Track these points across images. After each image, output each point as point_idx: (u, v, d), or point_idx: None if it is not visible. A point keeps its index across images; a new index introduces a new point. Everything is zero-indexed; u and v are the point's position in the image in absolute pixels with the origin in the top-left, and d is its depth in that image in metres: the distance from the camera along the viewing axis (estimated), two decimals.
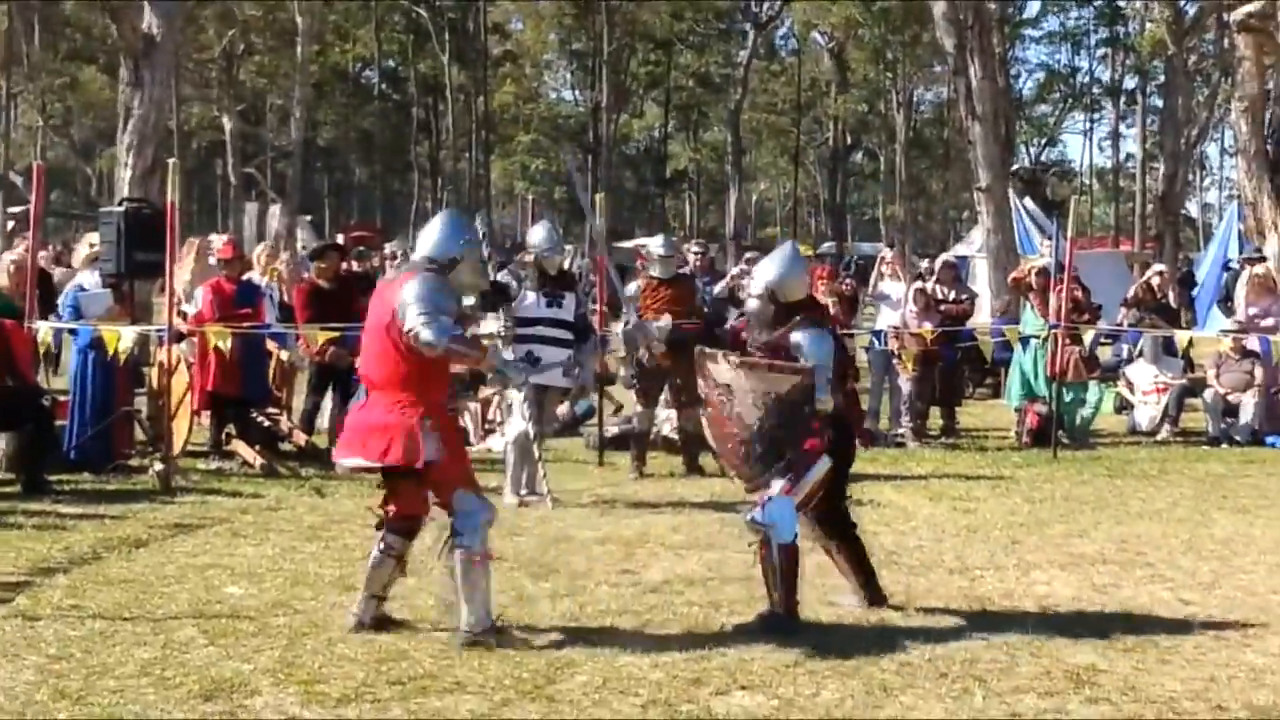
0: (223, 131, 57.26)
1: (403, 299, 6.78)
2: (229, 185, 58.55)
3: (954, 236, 56.54)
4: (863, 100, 65.37)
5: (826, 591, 7.94)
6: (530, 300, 11.29)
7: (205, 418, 13.15)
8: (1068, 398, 14.81)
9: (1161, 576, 8.66)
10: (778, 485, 7.26)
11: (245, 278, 13.49)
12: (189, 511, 10.33)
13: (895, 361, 15.30)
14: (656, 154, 75.47)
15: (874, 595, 7.71)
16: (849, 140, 69.80)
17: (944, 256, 19.81)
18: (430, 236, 7.15)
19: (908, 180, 61.63)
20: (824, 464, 7.35)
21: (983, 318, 19.78)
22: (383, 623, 7.11)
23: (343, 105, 67.34)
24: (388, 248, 22.70)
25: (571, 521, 10.23)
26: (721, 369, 7.39)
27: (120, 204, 14.16)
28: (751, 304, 7.70)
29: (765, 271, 7.66)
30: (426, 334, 6.64)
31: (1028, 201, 29.43)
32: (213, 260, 12.51)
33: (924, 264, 17.21)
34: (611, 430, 13.77)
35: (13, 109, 56.01)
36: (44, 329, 12.39)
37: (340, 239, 25.84)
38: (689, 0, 62.37)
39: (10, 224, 40.96)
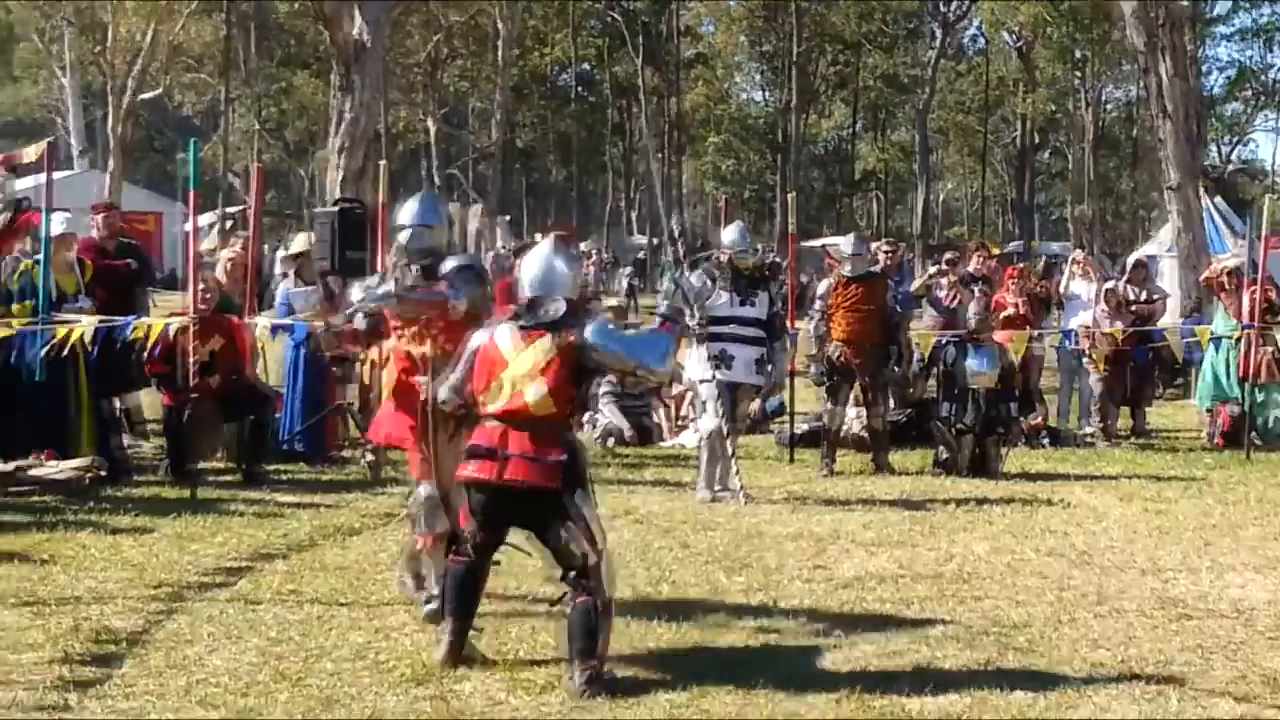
0: (426, 134, 58.66)
1: None
2: (432, 186, 59.68)
3: (1143, 235, 55.33)
4: (1050, 99, 64.29)
5: (1016, 591, 8.02)
6: (723, 299, 11.40)
7: None
8: (1260, 399, 14.59)
9: None
10: None
11: None
12: (398, 502, 10.37)
13: (1086, 361, 15.21)
14: (844, 154, 75.12)
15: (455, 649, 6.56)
16: (1036, 139, 68.78)
17: (1134, 256, 19.54)
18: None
19: (1095, 179, 60.56)
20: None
21: (1172, 318, 19.46)
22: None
23: (540, 108, 68.02)
24: (583, 246, 22.95)
25: (763, 517, 10.31)
26: None
27: (335, 204, 14.51)
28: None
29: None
30: None
31: (1218, 200, 28.67)
32: None
33: (1080, 254, 16.78)
34: (801, 428, 13.83)
35: (230, 113, 57.89)
36: (260, 325, 12.81)
37: (538, 238, 26.27)
38: (877, 1, 62.05)
39: (229, 223, 42.22)
